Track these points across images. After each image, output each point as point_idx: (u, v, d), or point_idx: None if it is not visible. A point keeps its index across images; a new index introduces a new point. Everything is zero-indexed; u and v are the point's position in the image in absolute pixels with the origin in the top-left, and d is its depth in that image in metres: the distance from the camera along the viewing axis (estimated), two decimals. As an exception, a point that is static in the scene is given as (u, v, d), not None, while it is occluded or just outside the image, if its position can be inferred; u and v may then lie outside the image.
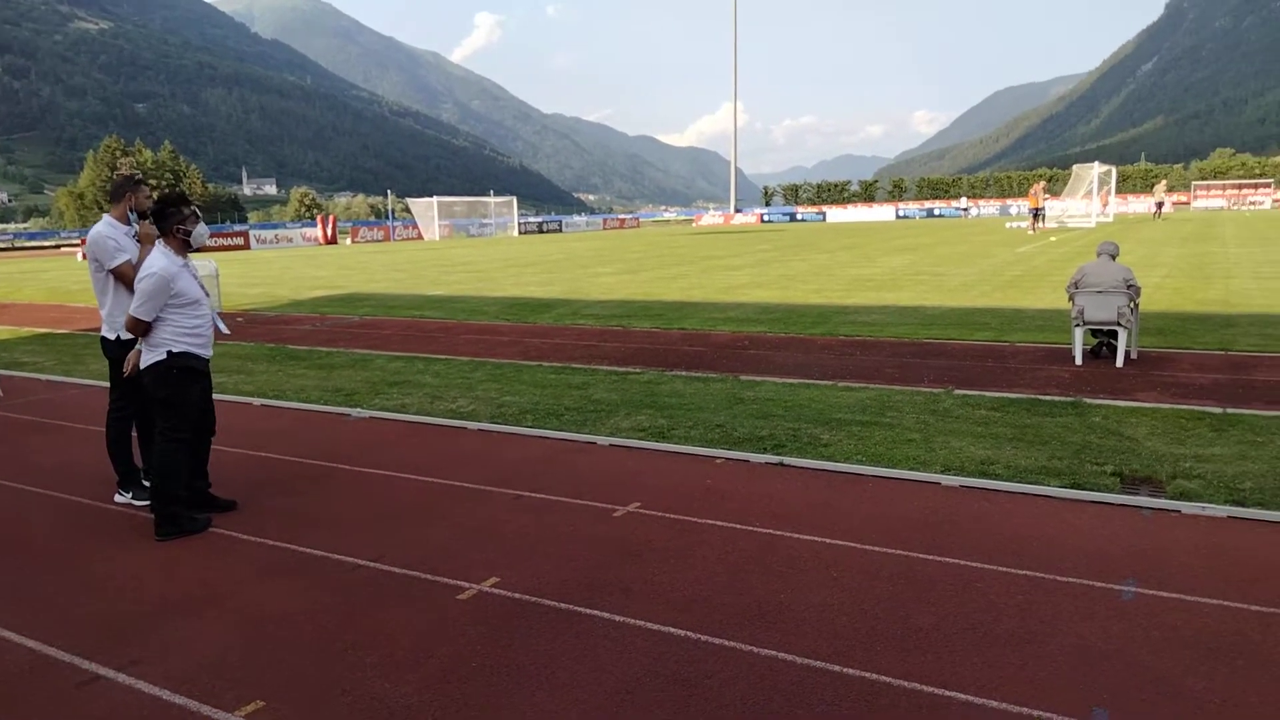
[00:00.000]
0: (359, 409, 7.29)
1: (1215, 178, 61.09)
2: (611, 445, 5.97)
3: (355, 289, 19.18)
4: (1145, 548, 4.01)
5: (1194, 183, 59.97)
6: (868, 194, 71.98)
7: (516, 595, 3.69)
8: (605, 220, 75.70)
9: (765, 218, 70.10)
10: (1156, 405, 6.51)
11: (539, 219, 71.69)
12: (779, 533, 4.32)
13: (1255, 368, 7.66)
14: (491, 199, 60.41)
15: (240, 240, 47.54)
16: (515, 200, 61.78)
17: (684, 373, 8.41)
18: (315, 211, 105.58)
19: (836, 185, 73.75)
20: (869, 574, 3.81)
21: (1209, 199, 56.81)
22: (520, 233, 59.42)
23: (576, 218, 77.56)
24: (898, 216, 64.17)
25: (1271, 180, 57.56)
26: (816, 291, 15.15)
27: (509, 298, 16.12)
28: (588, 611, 3.51)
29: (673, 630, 3.33)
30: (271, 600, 3.76)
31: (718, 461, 5.56)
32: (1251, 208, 53.40)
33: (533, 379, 8.30)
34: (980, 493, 4.84)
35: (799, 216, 68.78)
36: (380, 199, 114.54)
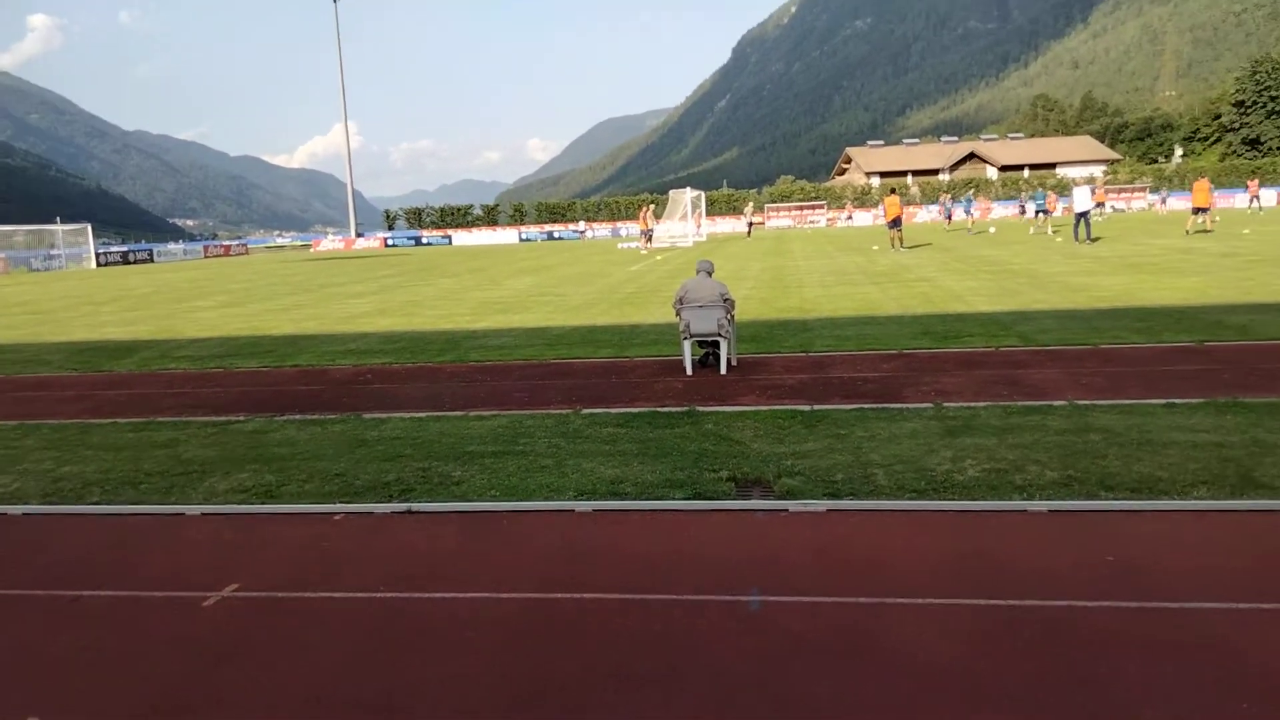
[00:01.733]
0: None
1: (783, 200, 70.71)
2: (205, 515, 5.08)
3: None
4: (763, 552, 4.17)
5: (766, 205, 68.84)
6: (491, 218, 72.99)
7: (61, 740, 2.85)
8: (207, 247, 68.58)
9: (389, 241, 68.16)
10: (757, 408, 7.04)
11: (124, 248, 62.97)
12: (408, 595, 3.88)
13: (831, 366, 8.68)
14: (59, 227, 51.80)
15: None
16: (90, 227, 53.61)
17: (298, 416, 7.57)
18: None
19: (460, 209, 73.77)
20: (506, 628, 3.51)
21: (779, 219, 65.60)
22: (100, 264, 51.66)
23: (172, 245, 69.34)
24: (521, 239, 65.94)
25: (824, 202, 68.02)
26: (444, 317, 14.78)
27: (79, 342, 13.66)
28: (163, 743, 2.80)
29: (276, 746, 2.75)
30: None
31: (336, 518, 4.95)
32: (811, 225, 62.63)
33: (104, 441, 6.94)
34: (613, 515, 4.79)
35: (424, 240, 67.83)
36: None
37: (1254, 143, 70.72)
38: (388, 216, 75.01)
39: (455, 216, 72.36)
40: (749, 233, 45.35)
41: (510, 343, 11.37)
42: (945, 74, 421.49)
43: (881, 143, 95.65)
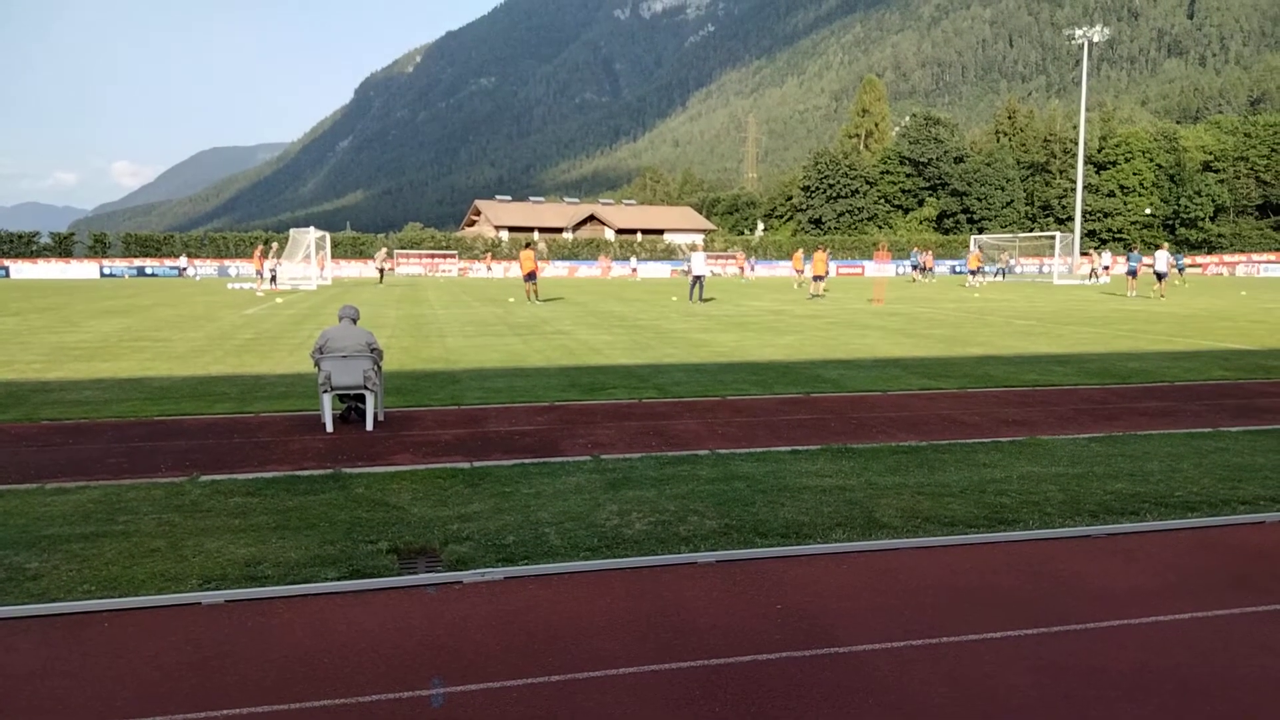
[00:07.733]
0: None
1: (413, 248, 69.60)
2: None
3: None
4: (441, 634, 3.75)
5: (395, 251, 67.20)
6: (64, 248, 62.55)
7: None
8: None
9: (-81, 271, 55.47)
10: (413, 467, 6.55)
11: None
12: (-39, 744, 2.87)
13: (485, 420, 8.40)
14: None
15: None
16: None
17: None
18: None
19: (22, 236, 62.26)
20: (118, 773, 2.72)
21: (410, 266, 64.40)
22: None
23: None
24: (104, 274, 57.44)
25: (456, 252, 68.11)
26: (5, 364, 12.13)
27: None
28: None
29: None
30: None
31: None
32: (443, 274, 62.37)
33: None
34: (252, 605, 4.05)
35: (-29, 270, 56.25)
36: None
37: (818, 222, 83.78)
38: (-81, 240, 60.96)
39: (16, 244, 60.95)
40: (381, 278, 43.70)
41: (98, 396, 9.58)
42: (565, 139, 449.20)
43: (509, 198, 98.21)
